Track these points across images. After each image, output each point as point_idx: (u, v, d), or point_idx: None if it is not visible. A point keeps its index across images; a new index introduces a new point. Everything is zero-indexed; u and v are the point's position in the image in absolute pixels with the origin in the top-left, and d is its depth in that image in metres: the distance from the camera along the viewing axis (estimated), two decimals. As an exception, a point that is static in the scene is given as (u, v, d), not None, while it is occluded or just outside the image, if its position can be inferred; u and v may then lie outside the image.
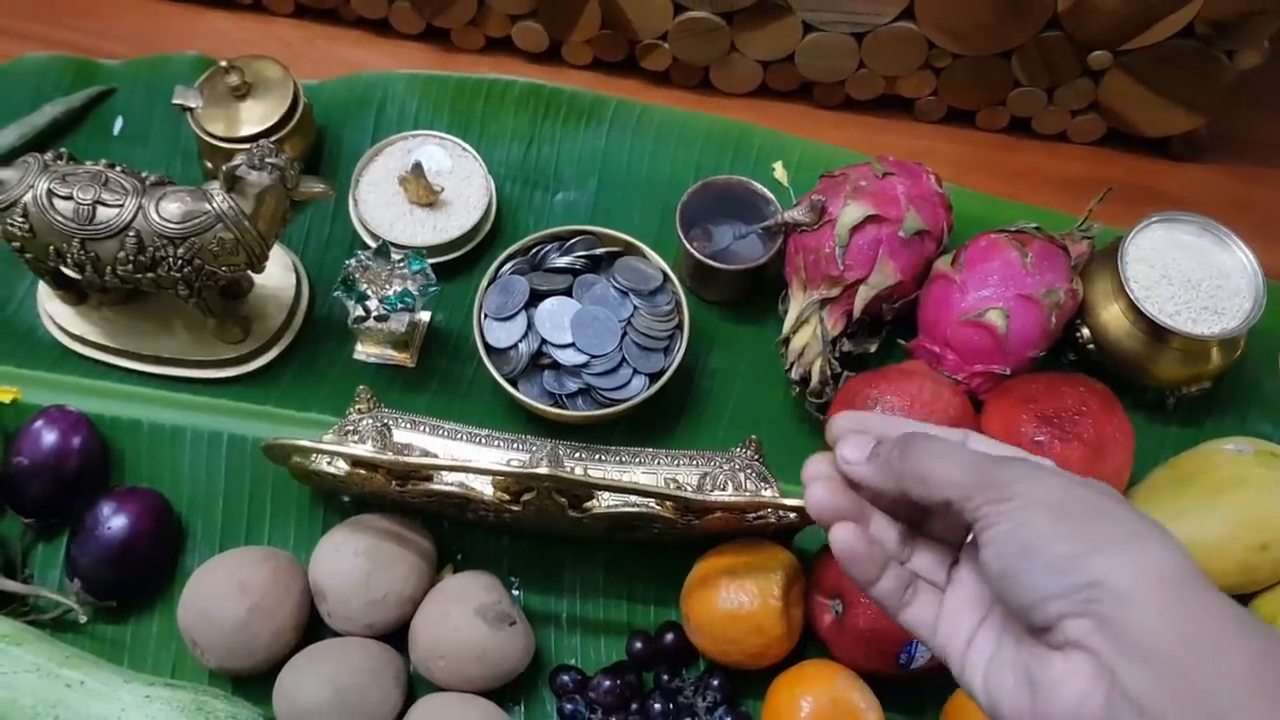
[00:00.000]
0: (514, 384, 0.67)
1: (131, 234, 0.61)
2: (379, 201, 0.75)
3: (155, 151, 0.78)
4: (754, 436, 0.68)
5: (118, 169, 0.63)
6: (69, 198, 0.61)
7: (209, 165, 0.75)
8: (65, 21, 0.84)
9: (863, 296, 0.70)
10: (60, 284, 0.68)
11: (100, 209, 0.61)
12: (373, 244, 0.72)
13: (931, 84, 0.83)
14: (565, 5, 0.80)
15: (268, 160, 0.62)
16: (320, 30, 0.85)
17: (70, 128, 0.78)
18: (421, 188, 0.74)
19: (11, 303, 0.72)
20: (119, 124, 0.78)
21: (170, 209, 0.62)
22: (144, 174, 0.64)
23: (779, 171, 0.78)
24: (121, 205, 0.61)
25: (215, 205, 0.61)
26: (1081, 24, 0.76)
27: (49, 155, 0.64)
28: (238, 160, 0.62)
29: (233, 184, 0.62)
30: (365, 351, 0.71)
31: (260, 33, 0.85)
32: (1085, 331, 0.73)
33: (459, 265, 0.74)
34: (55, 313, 0.70)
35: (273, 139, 0.72)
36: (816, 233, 0.71)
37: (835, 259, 0.70)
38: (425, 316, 0.72)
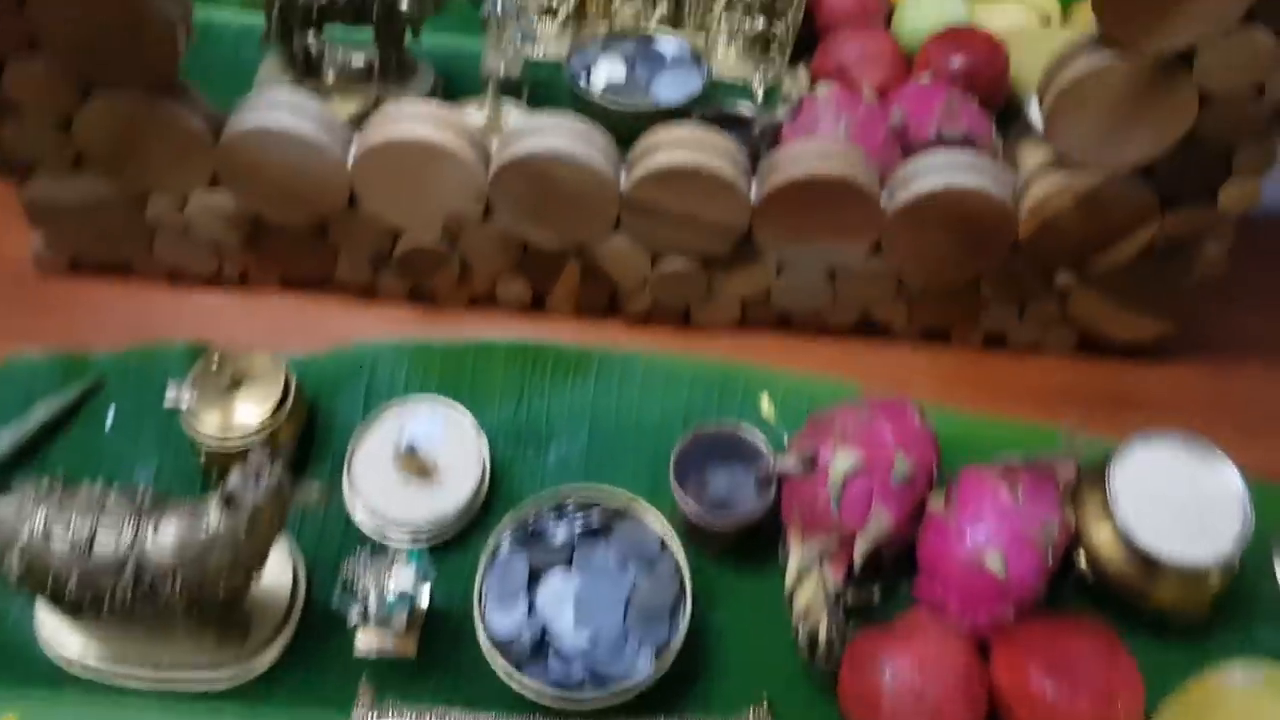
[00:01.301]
0: (519, 668, 0.67)
1: (130, 563, 0.61)
2: (373, 478, 0.75)
3: (147, 444, 0.78)
4: (765, 697, 0.68)
5: (114, 492, 0.64)
6: (66, 529, 0.62)
7: (202, 460, 0.76)
8: (51, 315, 0.85)
9: (860, 549, 0.70)
10: (57, 599, 0.68)
11: (98, 540, 0.61)
12: (368, 520, 0.73)
13: (905, 309, 0.85)
14: (546, 263, 0.82)
15: (262, 475, 0.63)
16: (308, 301, 0.87)
17: (63, 425, 0.79)
18: (415, 464, 0.74)
19: (8, 618, 0.72)
20: (110, 418, 0.79)
21: (167, 536, 0.62)
22: (141, 490, 0.64)
23: (765, 407, 0.79)
24: (119, 532, 0.62)
25: (211, 528, 0.62)
26: (1043, 250, 0.79)
27: (45, 482, 0.64)
28: (233, 480, 0.63)
29: (228, 502, 0.62)
30: (366, 645, 0.71)
31: (248, 309, 0.86)
32: (1084, 563, 0.73)
33: (456, 535, 0.75)
34: (52, 630, 0.70)
35: (266, 431, 0.73)
36: (810, 481, 0.72)
37: (830, 510, 0.71)
38: (425, 599, 0.72)
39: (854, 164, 0.76)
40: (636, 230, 0.80)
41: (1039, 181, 0.76)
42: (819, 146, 0.77)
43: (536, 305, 0.87)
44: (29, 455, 0.76)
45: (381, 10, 0.95)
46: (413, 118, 0.76)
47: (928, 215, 0.76)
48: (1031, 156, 0.93)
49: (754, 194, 0.77)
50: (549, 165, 0.75)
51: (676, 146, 0.76)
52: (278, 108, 0.75)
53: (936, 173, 0.76)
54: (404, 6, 0.93)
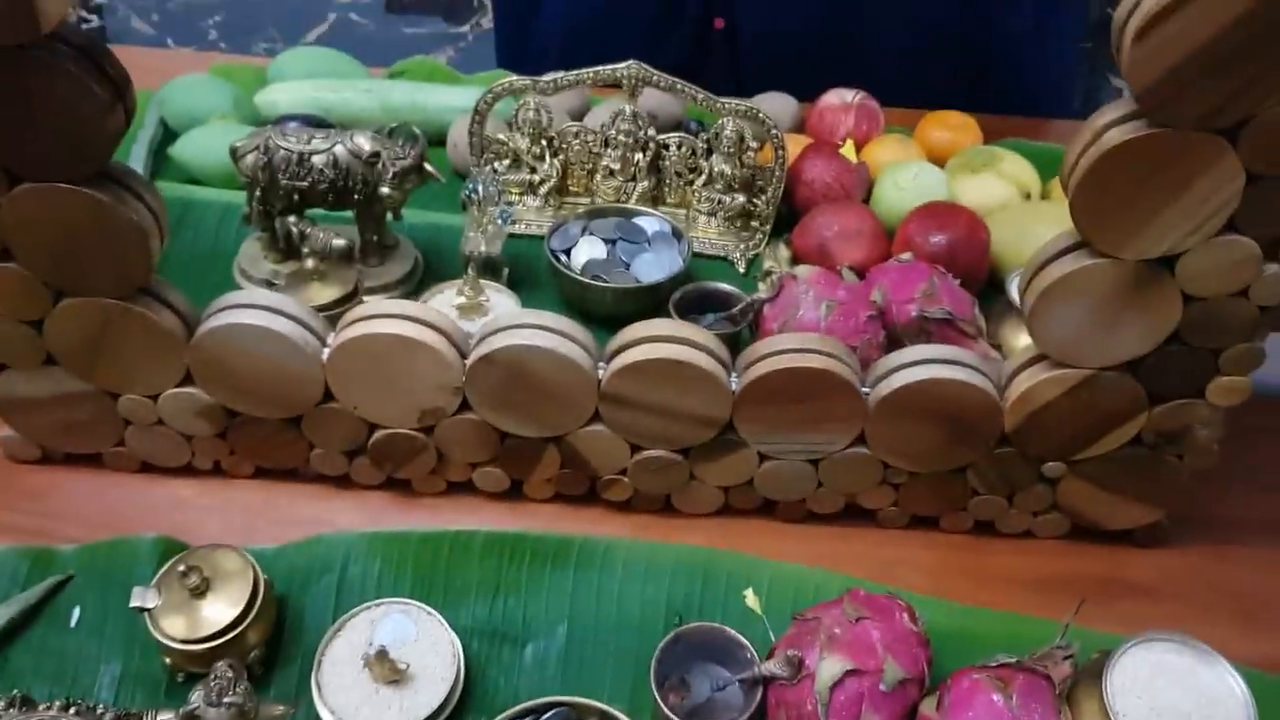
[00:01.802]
0: None
1: (86, 794, 0.59)
2: (343, 684, 0.72)
3: (113, 643, 0.75)
4: None
5: (71, 712, 0.61)
6: (20, 758, 0.59)
7: (168, 661, 0.73)
8: (20, 505, 0.83)
9: (850, 760, 0.67)
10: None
11: (53, 769, 0.59)
12: (338, 731, 0.70)
13: (892, 496, 0.83)
14: (524, 451, 0.81)
15: (226, 696, 0.60)
16: (280, 489, 0.85)
17: (27, 622, 0.76)
18: (386, 668, 0.72)
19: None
20: (75, 615, 0.77)
21: (126, 760, 0.59)
22: (100, 709, 0.62)
23: (750, 599, 0.77)
24: (75, 760, 0.59)
25: (173, 760, 0.59)
26: (1031, 442, 0.78)
27: (2, 703, 0.62)
28: (194, 698, 0.60)
29: (190, 726, 0.60)
30: None
31: (220, 498, 0.84)
32: (1082, 774, 0.71)
33: (429, 745, 0.72)
34: None
35: (234, 633, 0.71)
36: (796, 687, 0.69)
37: (818, 717, 0.68)
38: (397, 817, 0.68)
39: (834, 356, 0.75)
40: (616, 421, 0.78)
41: (1024, 375, 0.75)
42: (799, 338, 0.76)
43: (514, 491, 0.85)
44: (-11, 657, 0.74)
45: (362, 194, 0.95)
46: (387, 315, 0.75)
47: (910, 407, 0.76)
48: (1015, 337, 0.93)
49: (734, 385, 0.76)
50: (525, 359, 0.75)
51: (654, 340, 0.75)
52: (251, 307, 0.75)
53: (920, 365, 0.75)
54: (385, 190, 0.94)
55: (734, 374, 0.77)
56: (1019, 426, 0.77)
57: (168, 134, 1.14)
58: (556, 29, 1.34)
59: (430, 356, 0.75)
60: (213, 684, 0.61)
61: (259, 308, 0.75)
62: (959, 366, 0.75)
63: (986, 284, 1.01)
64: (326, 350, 0.76)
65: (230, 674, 0.61)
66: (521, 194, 1.08)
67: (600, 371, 0.76)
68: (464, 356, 0.76)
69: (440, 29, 2.83)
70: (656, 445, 0.80)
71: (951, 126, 1.19)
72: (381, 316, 0.75)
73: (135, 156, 1.09)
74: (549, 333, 0.75)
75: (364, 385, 0.77)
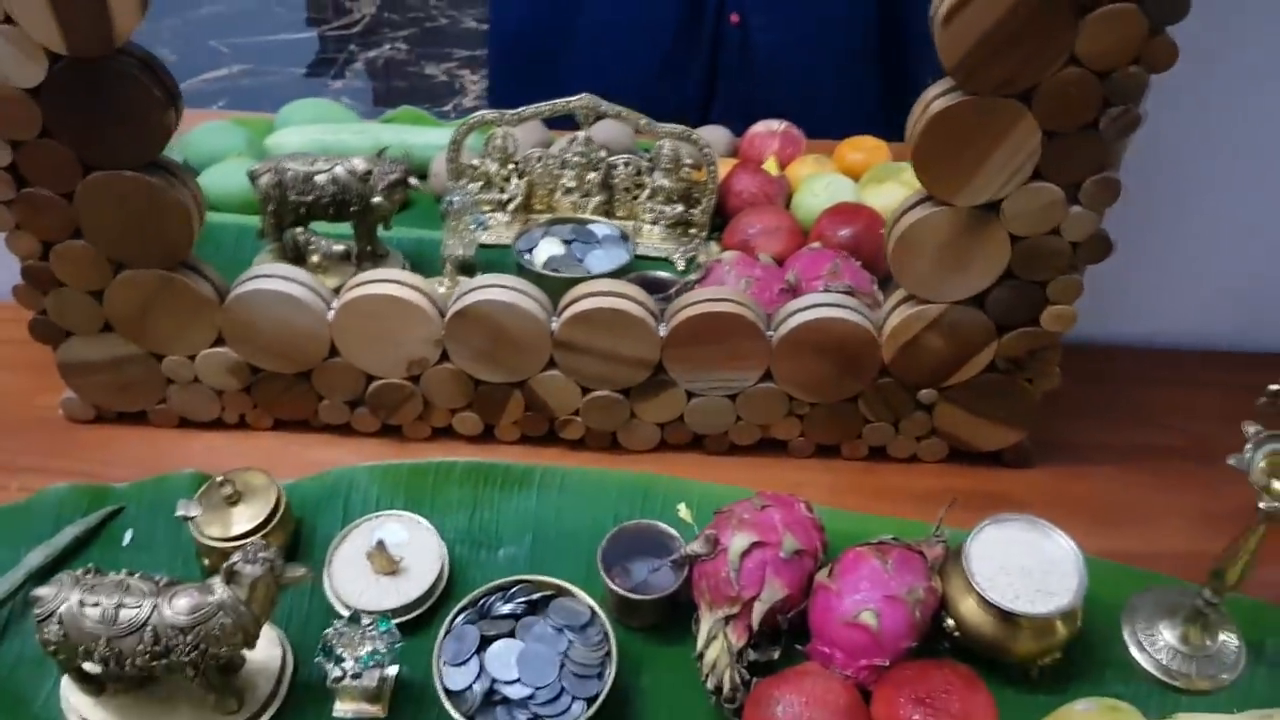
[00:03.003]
0: (471, 718, 0.79)
1: (149, 629, 0.75)
2: (349, 576, 0.89)
3: (159, 556, 0.92)
4: (681, 741, 0.80)
5: (136, 576, 0.78)
6: (96, 605, 0.75)
7: (206, 563, 0.90)
8: (81, 454, 1.01)
9: (758, 611, 0.84)
10: (82, 679, 0.81)
11: (122, 611, 0.75)
12: (345, 613, 0.86)
13: (798, 427, 1.01)
14: (494, 397, 0.99)
15: (259, 555, 0.77)
16: (294, 438, 1.03)
17: (87, 544, 0.93)
18: (385, 560, 0.88)
19: (38, 700, 0.84)
20: (128, 536, 0.93)
21: (180, 604, 0.76)
22: (158, 577, 0.78)
23: (684, 512, 0.94)
24: (140, 606, 0.75)
25: (218, 596, 0.76)
26: (906, 371, 0.96)
27: (79, 571, 0.78)
28: (235, 558, 0.77)
29: (231, 578, 0.76)
30: (343, 708, 0.83)
31: (246, 445, 1.02)
32: (950, 622, 0.87)
33: (419, 621, 0.88)
34: (77, 705, 0.82)
35: (260, 535, 0.88)
36: (714, 561, 0.86)
37: (731, 581, 0.84)
38: (393, 671, 0.85)
39: (743, 304, 0.93)
40: (568, 366, 0.96)
41: (895, 313, 0.93)
42: (714, 291, 0.95)
43: (487, 434, 1.03)
44: (58, 568, 0.90)
45: (358, 206, 1.14)
46: (381, 280, 0.93)
47: (806, 343, 0.94)
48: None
49: (662, 331, 0.94)
50: (493, 313, 0.92)
51: (596, 295, 0.93)
52: (272, 276, 0.93)
53: (811, 308, 0.93)
54: (377, 200, 1.12)
55: (662, 323, 0.95)
56: (894, 358, 0.94)
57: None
58: (587, 44, 1.52)
59: (416, 314, 0.93)
60: (249, 549, 0.77)
61: (278, 276, 0.93)
62: (843, 309, 0.94)
63: (886, 271, 1.20)
64: (332, 311, 0.94)
65: (262, 542, 0.78)
66: (492, 211, 1.27)
67: (553, 323, 0.94)
68: (443, 314, 0.94)
69: (423, 108, 3.07)
70: (602, 386, 0.97)
71: (865, 149, 1.38)
72: (377, 281, 0.93)
73: (164, 189, 1.28)
74: (511, 290, 0.93)
75: (362, 340, 0.95)
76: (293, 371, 0.98)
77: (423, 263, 1.22)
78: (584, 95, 1.20)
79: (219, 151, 1.31)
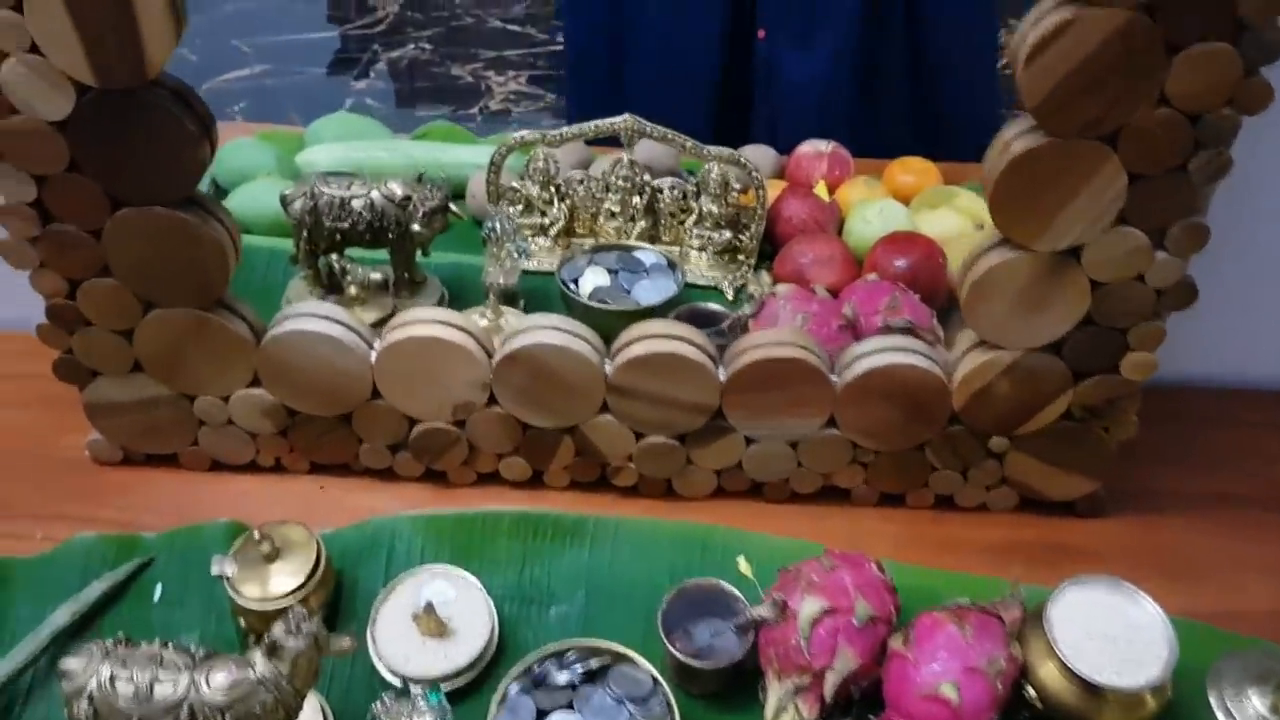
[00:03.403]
0: (528, 802, 0.75)
1: (185, 707, 0.70)
2: (394, 637, 0.85)
3: (191, 613, 0.88)
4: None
5: (170, 648, 0.73)
6: (129, 680, 0.71)
7: (242, 622, 0.85)
8: (106, 501, 0.96)
9: (831, 683, 0.79)
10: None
11: (156, 688, 0.71)
12: (391, 678, 0.82)
13: (862, 475, 0.96)
14: (543, 442, 0.94)
15: (302, 626, 0.72)
16: (333, 482, 0.98)
17: (115, 599, 0.88)
18: (433, 623, 0.84)
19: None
20: (159, 591, 0.89)
21: (218, 679, 0.71)
22: (193, 649, 0.74)
23: (743, 566, 0.89)
24: (175, 682, 0.71)
25: (257, 672, 0.71)
26: (977, 418, 0.91)
27: (109, 642, 0.73)
28: (276, 630, 0.72)
29: (272, 651, 0.72)
30: (391, 783, 0.79)
31: (281, 490, 0.97)
32: (1031, 691, 0.82)
33: (469, 687, 0.83)
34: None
35: (301, 596, 0.83)
36: (782, 627, 0.81)
37: (801, 650, 0.80)
38: (443, 741, 0.80)
39: (806, 347, 0.88)
40: (621, 411, 0.91)
41: (966, 358, 0.88)
42: (776, 334, 0.90)
43: (535, 480, 0.98)
44: (86, 626, 0.85)
45: (395, 233, 1.09)
46: (426, 321, 0.88)
47: (872, 390, 0.89)
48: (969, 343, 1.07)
49: (722, 375, 0.89)
50: (543, 356, 0.88)
51: (652, 337, 0.88)
52: (311, 315, 0.88)
53: (879, 353, 0.88)
54: (416, 228, 1.08)
55: (721, 366, 0.90)
56: (965, 405, 0.89)
57: (219, 191, 1.28)
58: (636, 72, 1.48)
59: (462, 356, 0.88)
60: (291, 619, 0.73)
61: (318, 316, 0.88)
62: (912, 353, 0.89)
63: (945, 303, 1.15)
64: (374, 352, 0.89)
65: (304, 611, 0.73)
66: (533, 236, 1.23)
67: (607, 366, 0.90)
68: (491, 356, 0.90)
69: (449, 111, 3.01)
70: (657, 432, 0.93)
71: (914, 171, 1.33)
72: (421, 322, 0.88)
73: (191, 211, 1.23)
74: (563, 332, 0.88)
75: (406, 383, 0.90)
76: (332, 414, 0.93)
77: (462, 290, 1.18)
78: (627, 116, 1.15)
79: (248, 170, 1.26)
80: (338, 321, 0.88)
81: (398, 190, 1.08)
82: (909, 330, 1.03)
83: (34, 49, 0.73)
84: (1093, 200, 0.77)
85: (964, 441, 0.92)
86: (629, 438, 0.93)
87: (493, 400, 0.92)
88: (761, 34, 1.43)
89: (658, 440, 0.93)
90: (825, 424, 0.92)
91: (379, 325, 1.03)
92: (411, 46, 3.14)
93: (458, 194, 1.30)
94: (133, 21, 0.71)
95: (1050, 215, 0.78)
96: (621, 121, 1.16)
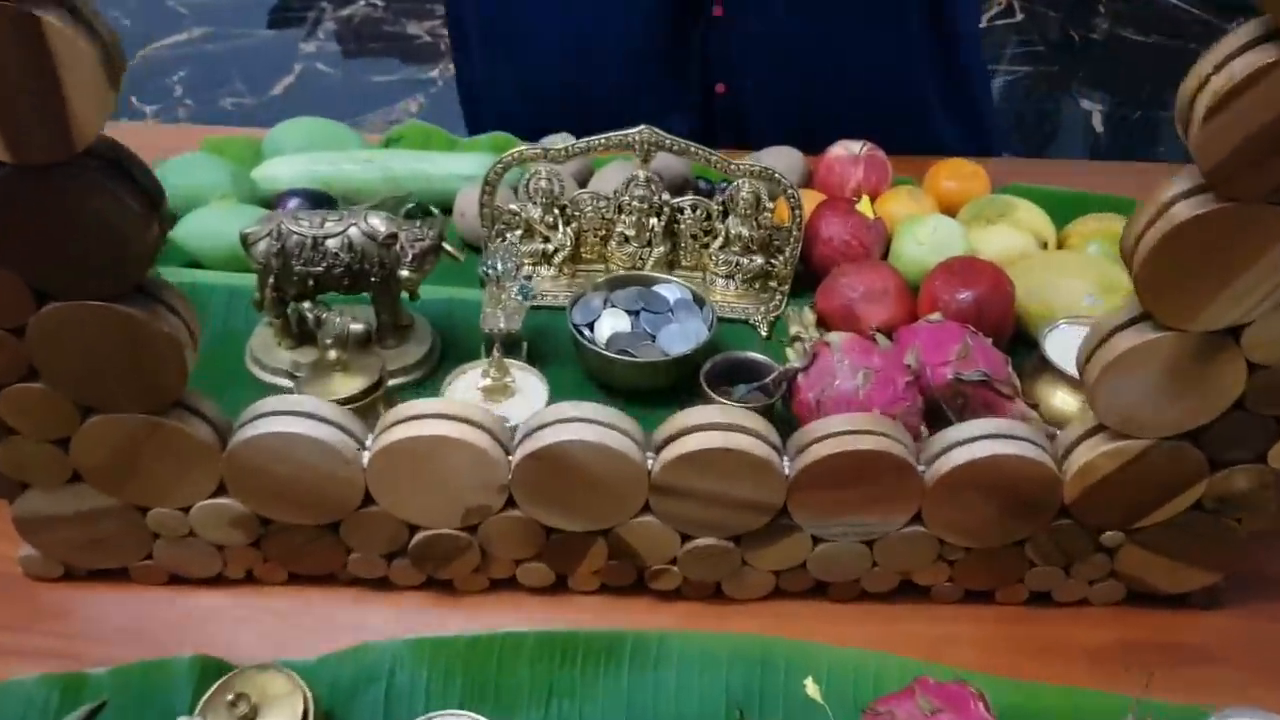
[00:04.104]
0: None
1: None
2: (403, 805, 0.70)
3: (153, 774, 0.72)
4: None
5: None
6: None
7: (216, 794, 0.70)
8: (44, 627, 0.79)
9: None
10: None
11: None
12: None
13: (947, 572, 0.81)
14: (571, 545, 0.79)
15: None
16: (315, 595, 0.82)
17: (61, 757, 0.72)
18: (448, 788, 0.69)
19: None
20: (113, 747, 0.73)
21: None
22: None
23: (812, 689, 0.75)
24: None
25: None
26: (1090, 513, 0.76)
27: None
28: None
29: None
30: None
31: (254, 607, 0.81)
32: None
33: None
34: None
35: (285, 763, 0.68)
36: (873, 785, 0.67)
37: (900, 818, 0.66)
38: None
39: (890, 436, 0.73)
40: (666, 512, 0.76)
41: (1083, 447, 0.74)
42: (850, 420, 0.74)
43: (559, 584, 0.83)
44: (23, 804, 0.70)
45: (379, 276, 0.93)
46: (428, 415, 0.72)
47: (968, 484, 0.74)
48: (1050, 394, 0.92)
49: (788, 470, 0.74)
50: (574, 454, 0.72)
51: (706, 429, 0.73)
52: (288, 414, 0.72)
53: (977, 441, 0.74)
54: (405, 273, 0.91)
55: (786, 457, 0.75)
56: (1078, 499, 0.75)
57: (164, 216, 1.10)
58: (554, 94, 1.31)
59: (475, 456, 0.72)
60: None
61: (295, 414, 0.72)
62: (1017, 441, 0.74)
63: (1013, 337, 1.00)
64: (366, 454, 0.73)
65: None
66: (536, 264, 1.06)
67: (650, 462, 0.74)
68: (509, 453, 0.74)
69: (408, 75, 2.80)
70: (707, 534, 0.78)
71: (960, 175, 1.18)
72: (422, 417, 0.72)
73: (133, 242, 1.05)
74: (597, 425, 0.73)
75: (406, 487, 0.74)
76: (315, 524, 0.77)
77: (454, 332, 1.02)
78: (643, 127, 1.00)
79: (198, 192, 1.09)
80: (321, 419, 0.72)
81: (381, 227, 0.92)
82: (984, 383, 0.89)
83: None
84: (1266, 274, 0.62)
85: (1072, 536, 0.78)
86: (673, 539, 0.78)
87: (511, 502, 0.76)
88: (719, 11, 1.26)
89: (708, 543, 0.78)
90: (910, 520, 0.77)
91: (368, 393, 0.87)
92: (362, 3, 2.92)
93: (444, 209, 1.13)
94: (55, 82, 0.54)
95: (1214, 291, 0.63)
96: (637, 133, 0.99)
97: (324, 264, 0.92)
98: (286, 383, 0.94)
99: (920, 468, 0.75)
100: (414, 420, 0.72)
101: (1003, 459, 0.73)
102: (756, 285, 1.06)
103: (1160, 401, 0.69)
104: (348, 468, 0.73)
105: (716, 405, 0.75)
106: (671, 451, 0.73)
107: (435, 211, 0.93)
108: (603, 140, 1.00)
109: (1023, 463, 0.73)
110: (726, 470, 0.73)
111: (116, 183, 0.60)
